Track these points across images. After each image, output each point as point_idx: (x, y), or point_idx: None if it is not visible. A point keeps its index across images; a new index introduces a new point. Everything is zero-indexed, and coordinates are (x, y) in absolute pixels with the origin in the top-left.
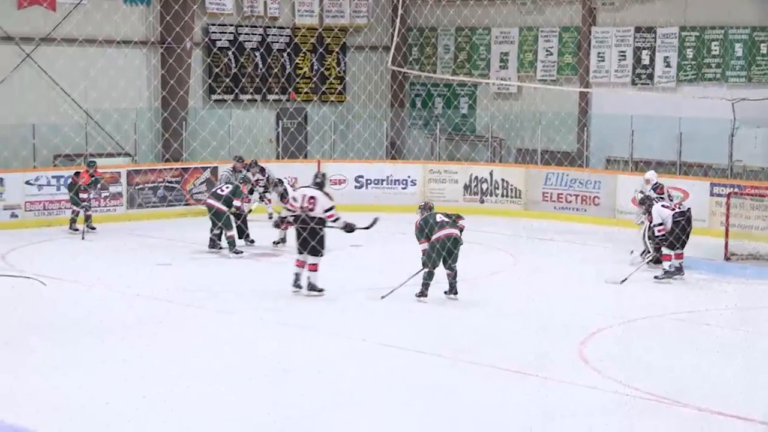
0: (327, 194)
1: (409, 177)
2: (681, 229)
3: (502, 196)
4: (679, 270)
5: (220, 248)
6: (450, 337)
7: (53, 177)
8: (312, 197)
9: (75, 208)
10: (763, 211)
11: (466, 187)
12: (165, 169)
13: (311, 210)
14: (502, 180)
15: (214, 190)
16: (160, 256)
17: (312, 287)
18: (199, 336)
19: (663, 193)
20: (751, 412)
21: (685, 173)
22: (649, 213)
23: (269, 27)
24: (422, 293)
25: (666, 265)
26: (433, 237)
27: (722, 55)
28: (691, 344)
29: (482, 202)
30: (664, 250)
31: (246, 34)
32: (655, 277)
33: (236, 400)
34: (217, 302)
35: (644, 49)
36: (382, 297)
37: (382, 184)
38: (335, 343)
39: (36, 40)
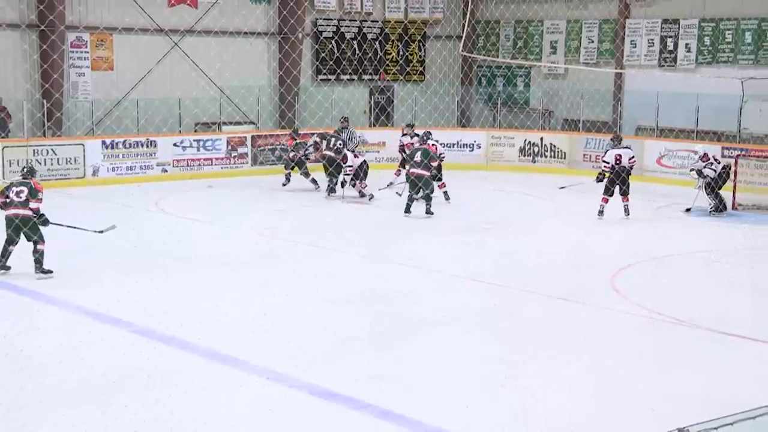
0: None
1: (475, 141)
2: (610, 181)
3: (550, 157)
4: (601, 212)
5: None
6: (507, 269)
7: (194, 140)
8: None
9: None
10: (766, 170)
11: (521, 150)
12: (281, 134)
13: None
14: (551, 144)
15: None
16: (277, 203)
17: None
18: (309, 267)
19: (708, 160)
20: (754, 333)
21: (702, 138)
22: (606, 152)
23: (364, 20)
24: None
25: (602, 206)
26: (409, 170)
27: (735, 42)
28: (706, 278)
29: (534, 161)
30: (604, 195)
31: (346, 26)
32: (598, 213)
33: (337, 318)
34: (323, 240)
35: (669, 37)
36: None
37: (453, 147)
38: (417, 275)
39: (181, 32)
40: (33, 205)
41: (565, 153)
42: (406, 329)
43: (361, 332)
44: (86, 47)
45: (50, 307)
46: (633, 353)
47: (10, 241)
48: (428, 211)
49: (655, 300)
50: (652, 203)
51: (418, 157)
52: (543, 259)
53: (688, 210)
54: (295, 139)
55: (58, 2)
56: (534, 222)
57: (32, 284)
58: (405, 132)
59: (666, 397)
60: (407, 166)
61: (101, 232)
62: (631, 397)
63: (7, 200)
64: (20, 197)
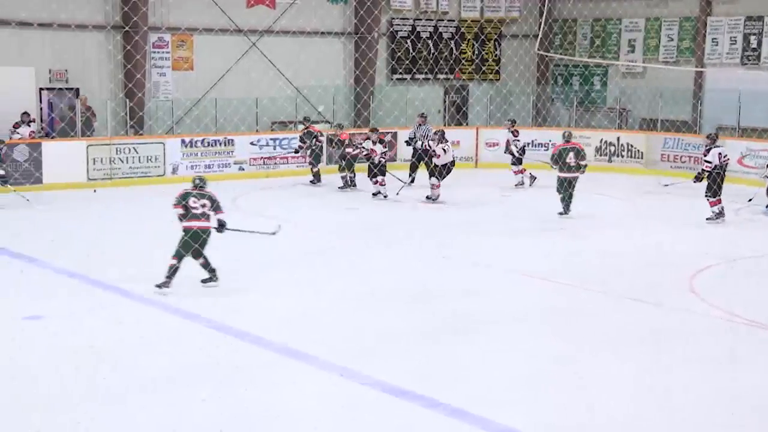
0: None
1: (550, 141)
2: (713, 180)
3: (627, 157)
4: (720, 214)
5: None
6: (578, 268)
7: (271, 139)
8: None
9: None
10: None
11: (597, 149)
12: (357, 133)
13: None
14: (627, 144)
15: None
16: (349, 202)
17: None
18: (381, 265)
19: None
20: None
21: None
22: (708, 151)
23: (440, 20)
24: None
25: (716, 209)
26: (561, 174)
27: None
28: None
29: (610, 161)
30: (710, 198)
31: (422, 25)
32: (707, 219)
33: (393, 315)
34: (396, 239)
35: (752, 34)
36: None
37: (528, 146)
38: (478, 272)
39: (259, 32)
40: (221, 216)
41: (642, 153)
42: (463, 327)
43: (413, 329)
44: (167, 48)
45: (131, 302)
46: (708, 356)
47: (180, 257)
48: (566, 210)
49: (733, 302)
50: (733, 204)
51: (572, 158)
52: (617, 257)
53: (750, 200)
54: (308, 129)
55: (142, 4)
56: (609, 222)
57: (114, 280)
58: (510, 129)
59: (740, 403)
60: (560, 168)
61: (274, 233)
62: (701, 401)
63: (187, 212)
64: (204, 209)
